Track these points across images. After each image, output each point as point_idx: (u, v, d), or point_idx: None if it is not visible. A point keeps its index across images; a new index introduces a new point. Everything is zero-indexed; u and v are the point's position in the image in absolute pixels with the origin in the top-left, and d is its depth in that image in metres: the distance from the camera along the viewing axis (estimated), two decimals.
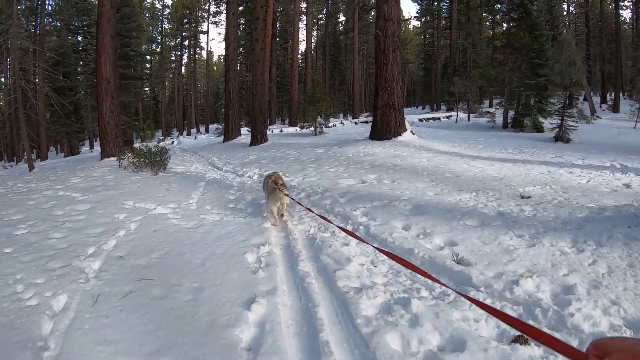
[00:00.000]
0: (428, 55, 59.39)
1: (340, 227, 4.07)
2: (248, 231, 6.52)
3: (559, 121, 20.04)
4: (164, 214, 7.85)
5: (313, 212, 6.15)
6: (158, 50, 63.52)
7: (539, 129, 24.68)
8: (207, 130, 55.28)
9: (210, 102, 67.62)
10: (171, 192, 10.01)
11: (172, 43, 65.58)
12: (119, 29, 25.02)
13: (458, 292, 2.27)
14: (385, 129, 15.26)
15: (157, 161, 12.95)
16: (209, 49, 66.65)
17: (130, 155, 13.32)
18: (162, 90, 70.32)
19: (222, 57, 64.95)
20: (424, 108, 60.47)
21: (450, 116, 37.47)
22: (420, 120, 34.94)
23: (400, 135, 15.29)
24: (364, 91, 65.97)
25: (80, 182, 11.66)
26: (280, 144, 19.90)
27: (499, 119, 29.05)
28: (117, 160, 13.50)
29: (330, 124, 25.66)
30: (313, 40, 59.85)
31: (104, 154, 16.82)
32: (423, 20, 68.61)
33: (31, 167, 17.34)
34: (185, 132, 58.65)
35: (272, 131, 30.52)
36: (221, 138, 29.12)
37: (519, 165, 11.51)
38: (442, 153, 13.33)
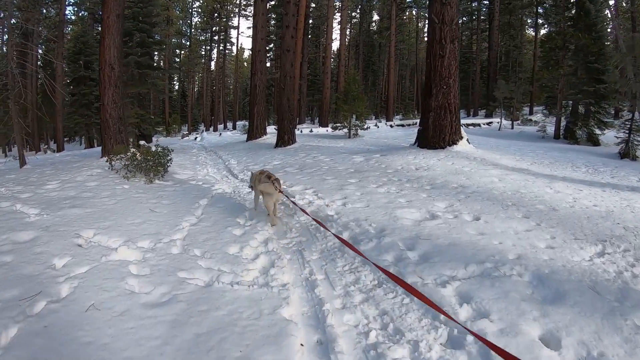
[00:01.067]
0: (465, 58, 55.25)
1: None
2: (254, 330, 3.36)
3: (626, 135, 16.45)
4: (124, 263, 4.78)
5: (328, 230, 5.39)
6: (187, 44, 61.03)
7: (594, 141, 21.09)
8: (234, 127, 52.58)
9: (239, 98, 65.06)
10: (156, 214, 6.98)
11: (202, 37, 62.91)
12: (136, 13, 22.38)
13: None
14: (438, 135, 12.04)
15: (151, 166, 9.90)
16: (239, 45, 63.98)
17: (124, 155, 10.33)
18: (191, 84, 67.96)
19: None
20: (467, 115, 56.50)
21: (491, 123, 33.68)
22: (466, 125, 31.32)
23: (455, 143, 12.05)
24: (397, 93, 62.49)
25: (54, 189, 8.99)
26: (310, 146, 16.76)
27: (549, 128, 25.31)
28: (107, 161, 10.45)
29: (365, 126, 22.33)
30: (346, 39, 56.52)
31: (104, 151, 14.10)
32: (460, 21, 64.64)
33: (22, 163, 14.55)
34: (212, 128, 55.99)
35: (301, 131, 27.40)
36: (244, 137, 26.15)
37: (610, 191, 8.39)
38: (510, 170, 10.13)
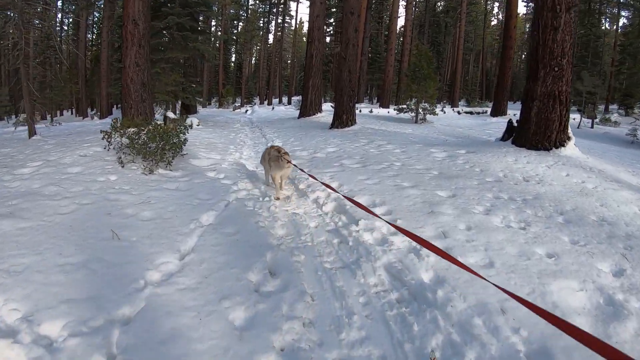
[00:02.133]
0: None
1: None
2: None
3: None
4: None
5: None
6: (244, 15, 58.00)
7: None
8: (289, 102, 49.55)
9: (296, 73, 61.77)
10: (117, 243, 3.91)
11: (260, 9, 59.64)
12: None
13: None
14: (542, 132, 8.51)
15: (153, 151, 6.94)
16: (298, 19, 60.38)
17: (133, 130, 7.48)
18: (248, 56, 65.26)
19: None
20: (514, 103, 50.28)
21: None
22: None
23: (563, 145, 8.48)
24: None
25: (25, 174, 6.61)
26: (372, 130, 13.40)
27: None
28: (103, 137, 7.52)
29: (435, 110, 18.66)
30: (412, 16, 51.82)
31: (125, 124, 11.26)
32: (529, 6, 58.01)
33: (31, 134, 11.96)
34: (266, 102, 53.28)
35: (360, 110, 23.99)
36: (297, 112, 23.00)
37: None
38: None
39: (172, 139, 7.30)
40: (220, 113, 29.27)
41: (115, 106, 34.98)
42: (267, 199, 5.85)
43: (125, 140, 7.32)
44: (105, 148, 7.60)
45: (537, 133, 8.59)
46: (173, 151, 7.31)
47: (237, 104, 40.55)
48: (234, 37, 60.67)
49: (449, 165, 7.47)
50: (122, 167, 6.89)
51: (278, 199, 5.83)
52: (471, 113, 26.87)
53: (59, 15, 43.31)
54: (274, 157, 5.85)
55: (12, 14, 12.63)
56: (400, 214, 4.80)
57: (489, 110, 28.38)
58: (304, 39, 75.92)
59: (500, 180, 6.40)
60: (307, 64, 18.16)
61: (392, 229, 4.21)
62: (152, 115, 11.82)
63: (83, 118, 31.19)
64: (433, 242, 3.91)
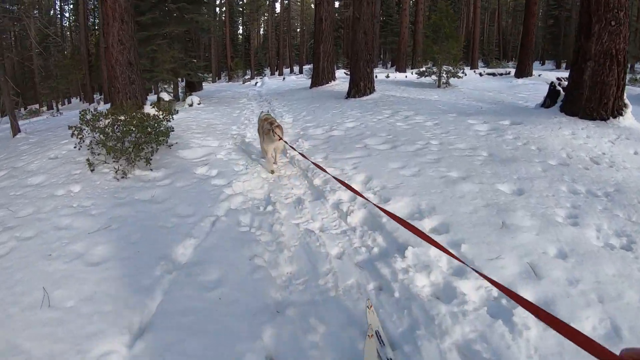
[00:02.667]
0: (557, 1, 44.66)
1: None
2: None
3: None
4: None
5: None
6: None
7: None
8: (300, 71, 47.51)
9: (306, 40, 59.34)
10: (45, 314, 2.51)
11: None
12: None
13: None
14: (598, 98, 6.98)
15: (126, 148, 5.48)
16: None
17: (111, 120, 6.01)
18: (255, 27, 62.86)
19: None
20: (542, 64, 46.90)
21: None
22: (559, 79, 24.57)
23: (621, 114, 6.90)
24: None
25: None
26: (394, 98, 11.71)
27: None
28: (73, 134, 6.04)
29: (459, 73, 16.73)
30: None
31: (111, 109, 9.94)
32: None
33: (15, 131, 10.71)
34: (277, 72, 51.23)
35: (377, 76, 22.15)
36: (309, 82, 21.26)
37: None
38: None
39: (151, 129, 5.81)
40: (229, 87, 27.64)
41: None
42: (269, 207, 4.36)
43: (99, 136, 5.85)
44: (75, 147, 6.12)
45: (591, 100, 7.03)
46: (155, 143, 5.82)
47: (246, 77, 38.72)
48: (240, 9, 58.41)
49: (498, 143, 5.89)
50: (92, 170, 5.46)
51: (272, 172, 5.56)
52: (493, 75, 24.64)
53: (58, 2, 41.77)
54: (265, 130, 5.49)
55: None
56: (462, 230, 3.26)
57: (511, 71, 26.43)
58: (312, 5, 73.01)
59: (566, 164, 4.86)
60: (316, 29, 16.32)
61: (455, 262, 2.71)
62: (144, 98, 10.35)
63: (89, 104, 29.89)
64: (522, 289, 2.45)
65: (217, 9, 53.76)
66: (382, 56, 50.29)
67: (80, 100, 37.03)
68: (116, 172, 5.26)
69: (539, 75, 22.88)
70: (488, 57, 42.40)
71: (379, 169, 5.02)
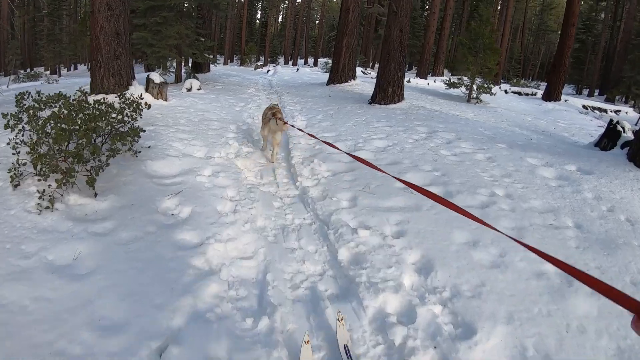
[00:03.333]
0: (586, 25, 41.90)
1: None
2: None
3: None
4: None
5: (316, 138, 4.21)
6: None
7: None
8: (315, 64, 45.31)
9: (324, 33, 57.05)
10: None
11: None
12: None
13: None
14: None
15: (50, 163, 3.45)
16: None
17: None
18: (274, 14, 60.55)
19: None
20: (561, 87, 43.51)
21: (619, 111, 23.65)
22: (585, 107, 22.32)
23: None
24: None
25: None
26: (425, 111, 9.79)
27: None
28: (10, 128, 4.03)
29: (492, 90, 14.75)
30: None
31: (93, 88, 8.03)
32: None
33: None
34: (291, 62, 49.02)
35: None
36: (326, 76, 19.20)
37: None
38: None
39: (101, 133, 3.85)
40: (239, 72, 25.62)
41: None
42: (264, 318, 2.38)
43: (30, 136, 3.88)
44: (9, 144, 4.11)
45: None
46: (108, 154, 3.87)
47: (259, 63, 36.61)
48: None
49: (579, 205, 4.15)
50: (16, 187, 3.51)
51: (272, 162, 5.51)
52: (519, 94, 22.56)
53: None
54: (267, 119, 5.44)
55: None
56: None
57: (536, 91, 24.51)
58: None
59: None
60: (341, 19, 14.28)
61: None
62: (131, 77, 8.39)
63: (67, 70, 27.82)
64: None
65: None
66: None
67: (88, 68, 34.88)
68: (40, 197, 3.31)
69: (566, 101, 20.94)
70: (510, 74, 40.08)
71: (439, 242, 3.13)
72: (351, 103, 10.45)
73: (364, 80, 15.84)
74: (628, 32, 32.25)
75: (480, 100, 14.15)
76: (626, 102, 29.55)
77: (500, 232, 1.66)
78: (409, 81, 21.04)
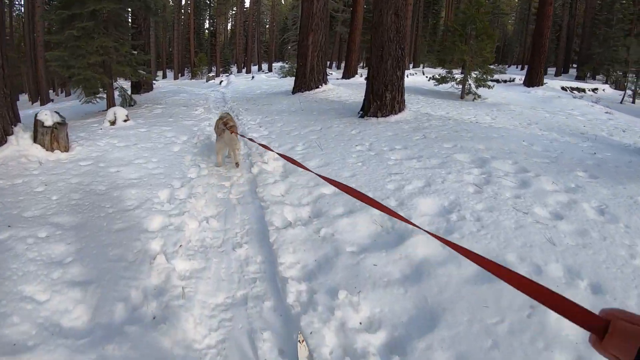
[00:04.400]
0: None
1: None
2: None
3: None
4: None
5: (271, 150, 3.39)
6: None
7: None
8: (269, 69, 42.18)
9: (275, 38, 53.85)
10: None
11: None
12: None
13: None
14: None
15: None
16: None
17: None
18: (223, 22, 56.77)
19: None
20: (521, 69, 42.04)
21: (596, 89, 22.00)
22: (564, 89, 20.22)
23: None
24: None
25: None
26: (438, 120, 7.13)
27: None
28: None
29: (491, 83, 12.15)
30: None
31: None
32: None
33: None
34: (244, 70, 45.50)
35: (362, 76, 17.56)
36: (287, 82, 16.15)
37: None
38: None
39: None
40: (189, 86, 22.30)
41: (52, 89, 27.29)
42: None
43: None
44: None
45: None
46: None
47: (211, 74, 33.04)
48: (207, 1, 52.29)
49: None
50: None
51: (237, 164, 5.05)
52: (497, 81, 20.21)
53: None
54: (219, 131, 5.13)
55: None
56: None
57: (514, 77, 22.36)
58: (282, 1, 67.35)
59: None
60: (304, 12, 11.25)
61: None
62: (12, 121, 5.22)
63: (41, 104, 23.67)
64: None
65: (183, 0, 47.92)
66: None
67: (30, 98, 30.51)
68: None
69: (545, 84, 18.68)
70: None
71: None
72: (335, 118, 7.50)
73: (338, 84, 12.93)
74: (592, 8, 30.64)
75: (479, 96, 11.50)
76: (594, 79, 28.08)
77: None
78: None
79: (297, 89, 11.41)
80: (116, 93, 11.77)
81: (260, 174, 4.65)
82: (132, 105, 11.53)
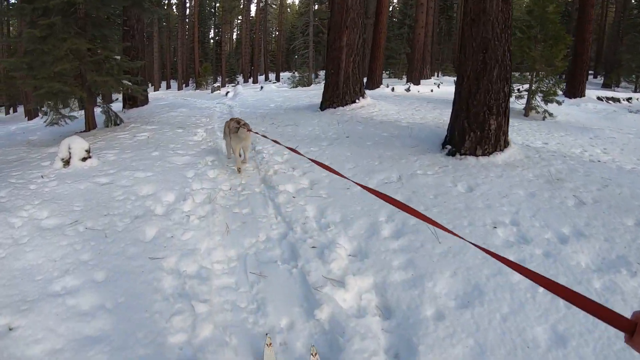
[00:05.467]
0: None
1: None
2: None
3: None
4: None
5: (281, 144, 3.31)
6: None
7: None
8: (277, 78, 39.43)
9: (282, 47, 51.21)
10: None
11: None
12: None
13: None
14: None
15: None
16: None
17: None
18: (228, 31, 54.17)
19: None
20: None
21: (630, 99, 19.08)
22: (600, 99, 17.33)
23: None
24: None
25: None
26: (552, 159, 4.31)
27: None
28: None
29: (560, 98, 9.55)
30: None
31: None
32: None
33: None
34: (251, 80, 42.74)
35: (393, 89, 14.87)
36: (302, 93, 13.50)
37: None
38: None
39: None
40: (192, 98, 19.69)
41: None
42: None
43: None
44: None
45: None
46: None
47: (216, 85, 30.32)
48: (212, 9, 49.66)
49: None
50: None
51: (239, 169, 4.76)
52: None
53: None
54: (233, 129, 4.81)
55: None
56: None
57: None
58: (289, 9, 64.59)
59: None
60: (335, 4, 8.52)
61: None
62: None
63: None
64: None
65: (187, 9, 45.34)
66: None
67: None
68: None
69: (598, 98, 15.86)
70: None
71: None
72: (408, 153, 4.79)
73: (377, 97, 10.20)
74: (619, 12, 27.95)
75: (550, 114, 8.82)
76: (617, 86, 25.29)
77: None
78: (408, 89, 15.55)
79: (328, 103, 8.66)
80: (97, 109, 9.11)
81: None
82: (118, 125, 8.87)
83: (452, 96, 4.96)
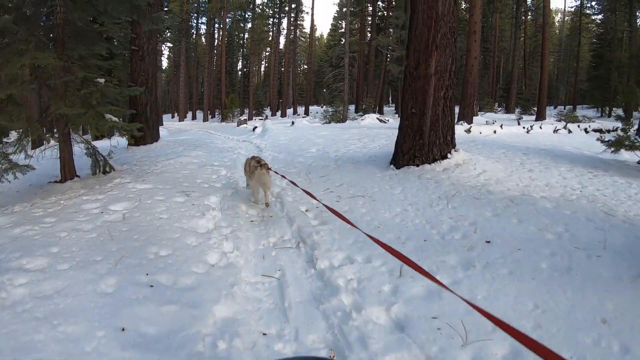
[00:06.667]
0: (601, 38, 33.18)
1: None
2: None
3: None
4: None
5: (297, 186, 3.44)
6: (249, 15, 44.50)
7: None
8: (306, 113, 36.92)
9: (311, 81, 49.17)
10: None
11: (270, 11, 45.96)
12: None
13: None
14: None
15: None
16: (313, 16, 46.15)
17: None
18: (256, 65, 52.39)
19: (327, 32, 46.17)
20: (574, 108, 33.29)
21: None
22: None
23: None
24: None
25: None
26: None
27: None
28: None
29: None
30: None
31: None
32: None
33: None
34: (279, 113, 40.43)
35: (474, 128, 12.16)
36: (343, 134, 10.79)
37: None
38: None
39: None
40: (215, 131, 17.20)
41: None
42: None
43: None
44: None
45: None
46: None
47: (242, 117, 27.89)
48: (240, 41, 48.13)
49: None
50: None
51: (267, 204, 4.52)
52: (600, 131, 14.17)
53: None
54: (252, 169, 4.67)
55: None
56: None
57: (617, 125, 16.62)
58: (317, 42, 62.82)
59: None
60: (418, 14, 5.76)
61: None
62: None
63: None
64: None
65: (216, 39, 43.86)
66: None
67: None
68: None
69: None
70: (529, 103, 30.65)
71: None
72: (599, 286, 1.90)
73: (469, 148, 7.22)
74: None
75: None
76: None
77: None
78: (468, 131, 12.60)
79: (408, 158, 5.73)
80: (81, 148, 6.41)
81: None
82: (107, 173, 6.17)
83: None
